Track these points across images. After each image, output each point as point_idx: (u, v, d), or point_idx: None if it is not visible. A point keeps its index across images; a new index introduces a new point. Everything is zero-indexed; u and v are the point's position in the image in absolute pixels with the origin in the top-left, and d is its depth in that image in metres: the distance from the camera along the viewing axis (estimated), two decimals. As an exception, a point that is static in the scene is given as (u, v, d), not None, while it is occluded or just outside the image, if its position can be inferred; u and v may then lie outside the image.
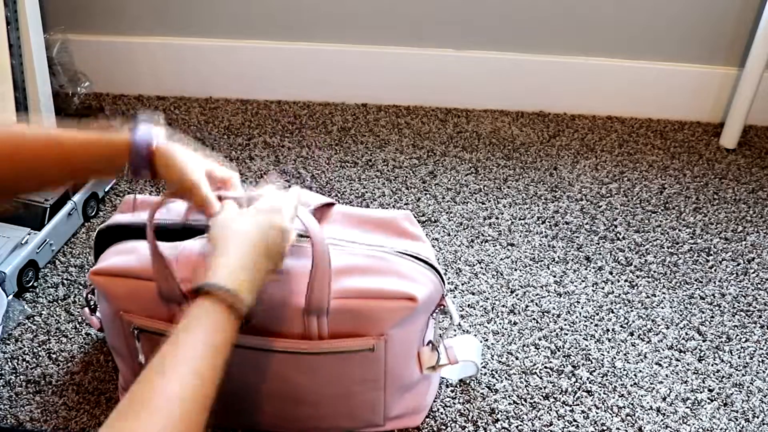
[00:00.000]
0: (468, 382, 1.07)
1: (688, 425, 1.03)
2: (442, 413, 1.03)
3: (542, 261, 1.29)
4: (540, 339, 1.14)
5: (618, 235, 1.36)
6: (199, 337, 0.68)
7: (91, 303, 1.00)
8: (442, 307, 0.94)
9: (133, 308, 0.90)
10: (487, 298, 1.21)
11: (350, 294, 0.87)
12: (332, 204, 0.98)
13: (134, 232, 0.94)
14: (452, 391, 1.06)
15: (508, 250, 1.31)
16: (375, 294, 0.87)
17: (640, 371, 1.10)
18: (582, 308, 1.20)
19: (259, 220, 0.79)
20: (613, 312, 1.20)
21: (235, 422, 0.99)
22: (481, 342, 1.13)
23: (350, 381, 0.92)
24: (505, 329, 1.16)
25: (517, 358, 1.11)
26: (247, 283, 0.74)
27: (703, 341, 1.16)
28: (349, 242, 0.92)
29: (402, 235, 0.96)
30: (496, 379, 1.08)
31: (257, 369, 0.91)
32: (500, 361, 1.10)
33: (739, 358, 1.14)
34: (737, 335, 1.17)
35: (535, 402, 1.05)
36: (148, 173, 0.82)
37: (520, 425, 1.02)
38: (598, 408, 1.05)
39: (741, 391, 1.08)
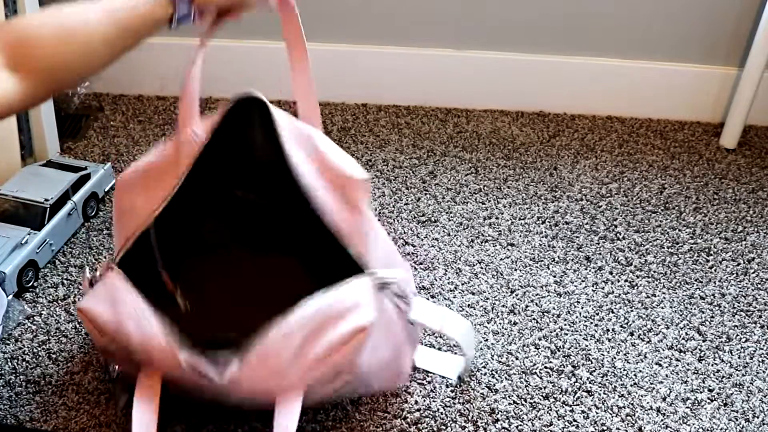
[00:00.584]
0: (468, 381, 1.07)
1: (688, 425, 1.03)
2: (442, 413, 1.03)
3: (542, 261, 1.29)
4: (540, 339, 1.14)
5: (618, 235, 1.36)
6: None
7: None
8: (386, 288, 0.93)
9: (107, 355, 0.94)
10: (487, 298, 1.21)
11: (316, 362, 0.87)
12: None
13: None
14: (452, 391, 1.06)
15: (508, 250, 1.31)
16: (332, 348, 0.87)
17: (640, 371, 1.10)
18: (582, 308, 1.20)
19: None
20: (613, 312, 1.20)
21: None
22: (481, 342, 1.13)
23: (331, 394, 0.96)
24: (505, 329, 1.16)
25: (517, 358, 1.11)
26: None
27: (703, 341, 1.16)
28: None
29: (344, 199, 0.93)
30: (496, 379, 1.08)
31: None
32: (500, 361, 1.10)
33: (739, 358, 1.14)
34: (737, 335, 1.17)
35: (535, 402, 1.05)
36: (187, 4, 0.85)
37: (520, 425, 1.02)
38: (598, 408, 1.05)
39: (741, 391, 1.08)
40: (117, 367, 0.97)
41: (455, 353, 1.10)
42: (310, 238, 1.02)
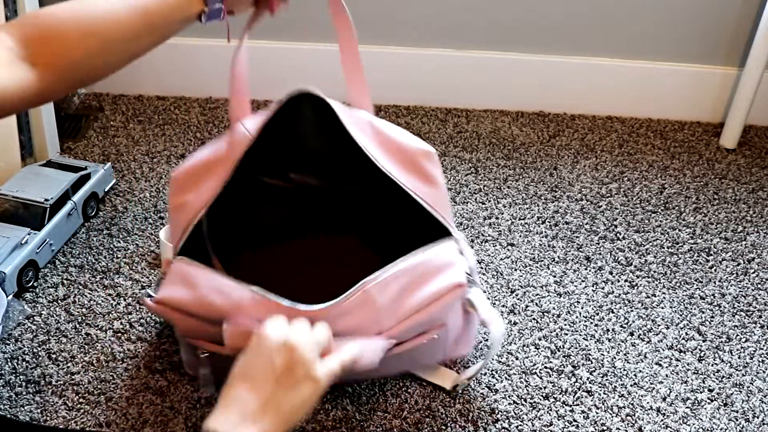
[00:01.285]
0: (469, 382, 1.07)
1: (688, 425, 1.03)
2: (442, 413, 1.03)
3: (542, 261, 1.29)
4: (540, 339, 1.14)
5: (618, 235, 1.36)
6: None
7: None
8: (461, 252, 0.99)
9: (195, 337, 0.93)
10: (487, 298, 1.21)
11: (411, 312, 0.91)
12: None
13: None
14: (454, 393, 1.06)
15: (508, 250, 1.31)
16: (430, 300, 0.92)
17: (640, 371, 1.10)
18: (582, 308, 1.20)
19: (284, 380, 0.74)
20: (613, 312, 1.20)
21: None
22: (481, 342, 1.13)
23: (415, 359, 1.00)
24: (505, 329, 1.16)
25: (517, 358, 1.11)
26: None
27: (703, 341, 1.16)
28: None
29: (421, 177, 0.99)
30: (496, 379, 1.08)
31: None
32: (500, 361, 1.10)
33: (739, 358, 1.14)
34: (737, 335, 1.17)
35: (535, 402, 1.05)
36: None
37: (520, 425, 1.02)
38: (598, 408, 1.05)
39: (741, 391, 1.08)
40: (203, 354, 0.94)
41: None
42: (371, 216, 1.09)
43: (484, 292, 1.23)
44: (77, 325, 1.13)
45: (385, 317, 0.90)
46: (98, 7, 0.76)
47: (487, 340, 1.14)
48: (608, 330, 1.17)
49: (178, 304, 0.91)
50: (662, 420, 1.03)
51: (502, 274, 1.26)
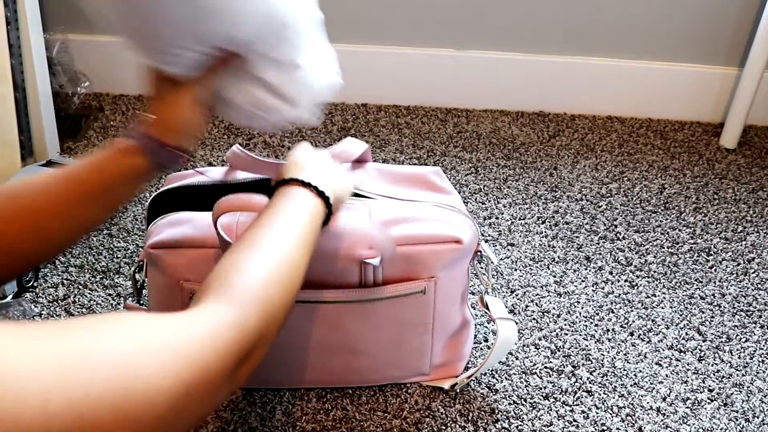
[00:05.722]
0: (468, 382, 1.07)
1: (688, 425, 1.03)
2: (442, 413, 1.03)
3: (542, 261, 1.29)
4: (540, 339, 1.14)
5: (618, 235, 1.36)
6: (300, 216, 0.69)
7: (138, 283, 1.00)
8: (479, 253, 1.01)
9: (192, 277, 0.92)
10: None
11: (402, 241, 0.92)
12: (364, 161, 1.05)
13: (185, 195, 0.99)
14: (452, 391, 1.06)
15: (508, 250, 1.31)
16: (425, 239, 0.93)
17: (640, 371, 1.10)
18: (582, 308, 1.20)
19: (334, 164, 0.83)
20: (613, 312, 1.20)
21: (284, 381, 1.03)
22: (481, 342, 1.13)
23: (402, 326, 0.98)
24: (516, 337, 1.16)
25: (517, 358, 1.11)
26: (332, 195, 0.75)
27: (703, 341, 1.16)
28: (389, 198, 0.99)
29: (433, 188, 1.03)
30: (496, 379, 1.08)
31: (310, 322, 0.95)
32: (500, 361, 1.10)
33: (739, 358, 1.14)
34: (737, 335, 1.17)
35: (535, 402, 1.05)
36: (166, 151, 0.76)
37: (520, 425, 1.02)
38: (598, 408, 1.05)
39: (741, 391, 1.08)
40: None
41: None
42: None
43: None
44: (77, 325, 1.13)
45: (376, 233, 0.92)
46: (32, 183, 0.70)
47: (487, 340, 1.14)
48: (608, 330, 1.17)
49: (179, 241, 0.91)
50: (662, 420, 1.03)
51: (502, 274, 1.26)
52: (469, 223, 0.99)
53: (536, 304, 1.21)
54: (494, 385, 1.07)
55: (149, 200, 1.02)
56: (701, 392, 1.08)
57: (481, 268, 1.04)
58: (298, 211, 0.70)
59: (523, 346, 1.13)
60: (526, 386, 1.07)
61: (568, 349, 1.13)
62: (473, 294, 1.19)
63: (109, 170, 0.74)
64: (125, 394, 0.41)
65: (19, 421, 0.36)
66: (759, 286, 1.27)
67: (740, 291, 1.26)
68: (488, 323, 1.15)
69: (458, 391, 1.05)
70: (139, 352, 0.43)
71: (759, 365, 1.13)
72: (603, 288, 1.25)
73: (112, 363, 0.41)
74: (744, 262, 1.32)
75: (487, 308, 1.03)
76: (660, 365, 1.12)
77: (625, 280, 1.26)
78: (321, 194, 0.74)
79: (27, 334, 0.40)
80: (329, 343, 0.98)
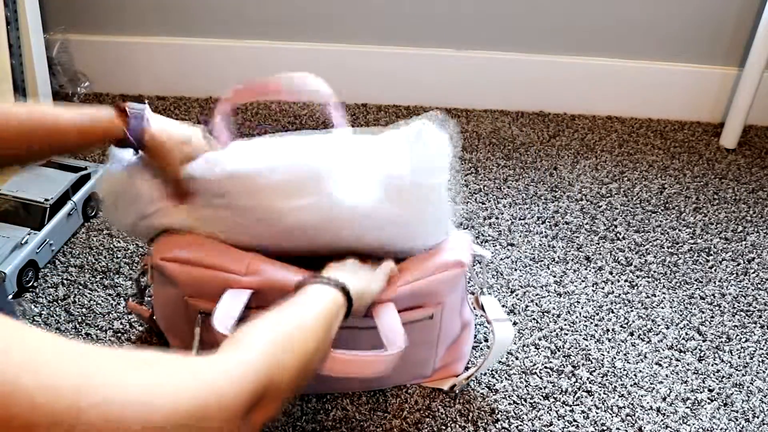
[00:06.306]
0: (468, 382, 1.07)
1: (688, 425, 1.03)
2: (442, 413, 1.03)
3: (542, 261, 1.29)
4: (540, 339, 1.14)
5: (618, 235, 1.36)
6: (323, 316, 0.73)
7: (142, 284, 1.00)
8: (473, 257, 1.02)
9: (198, 294, 0.93)
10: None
11: (412, 279, 0.94)
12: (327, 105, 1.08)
13: None
14: (452, 391, 1.06)
15: (508, 250, 1.31)
16: (432, 270, 0.95)
17: (640, 371, 1.10)
18: (582, 308, 1.20)
19: (368, 277, 0.89)
20: (613, 312, 1.20)
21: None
22: (481, 342, 1.13)
23: (409, 346, 0.98)
24: (513, 337, 1.16)
25: (517, 358, 1.11)
26: (358, 302, 0.82)
27: (703, 341, 1.16)
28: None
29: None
30: (496, 379, 1.08)
31: None
32: (500, 361, 1.10)
33: (739, 358, 1.14)
34: (737, 335, 1.17)
35: (535, 402, 1.05)
36: (135, 151, 0.91)
37: (520, 425, 1.02)
38: (598, 408, 1.05)
39: (741, 391, 1.08)
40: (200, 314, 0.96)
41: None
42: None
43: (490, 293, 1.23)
44: (77, 325, 1.13)
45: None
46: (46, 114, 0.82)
47: (487, 340, 1.14)
48: (608, 330, 1.17)
49: (190, 260, 0.92)
50: (662, 420, 1.03)
51: (502, 274, 1.26)
52: (466, 237, 1.01)
53: (536, 304, 1.21)
54: (494, 385, 1.07)
55: None
56: (701, 392, 1.08)
57: (475, 268, 1.04)
58: (323, 303, 0.76)
59: (523, 346, 1.13)
60: (526, 386, 1.07)
61: (568, 349, 1.13)
62: (472, 293, 1.19)
63: (87, 139, 0.85)
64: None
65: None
66: (759, 286, 1.27)
67: (740, 291, 1.26)
68: (487, 324, 1.15)
69: (459, 390, 1.05)
70: (166, 374, 0.49)
71: (759, 365, 1.12)
72: (603, 288, 1.25)
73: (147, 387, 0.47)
74: (744, 262, 1.32)
75: (483, 310, 1.03)
76: (660, 365, 1.11)
77: (625, 280, 1.26)
78: (344, 291, 0.80)
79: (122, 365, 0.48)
80: None
